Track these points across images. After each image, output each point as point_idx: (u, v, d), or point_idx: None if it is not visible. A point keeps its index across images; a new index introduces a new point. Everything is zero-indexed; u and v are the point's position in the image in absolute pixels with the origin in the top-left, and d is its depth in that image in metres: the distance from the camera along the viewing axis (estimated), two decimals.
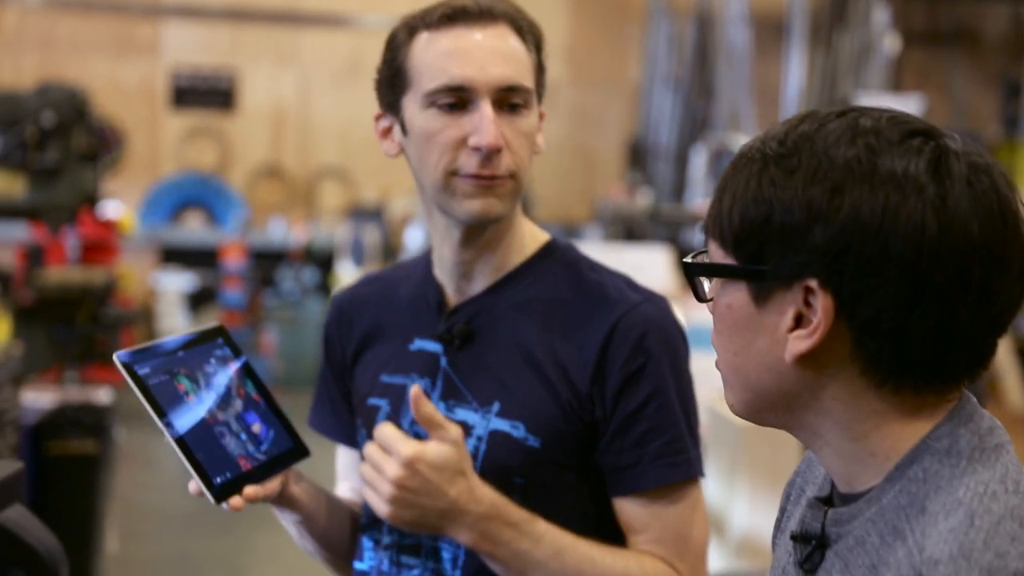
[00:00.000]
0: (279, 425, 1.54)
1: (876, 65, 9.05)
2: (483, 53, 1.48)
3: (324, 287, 10.45)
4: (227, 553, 5.50)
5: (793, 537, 1.09)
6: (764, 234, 1.00)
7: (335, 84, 11.88)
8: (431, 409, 1.43)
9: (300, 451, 1.55)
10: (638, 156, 10.75)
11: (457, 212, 1.50)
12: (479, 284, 1.57)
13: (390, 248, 10.37)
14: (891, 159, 0.98)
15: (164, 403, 1.43)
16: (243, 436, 1.49)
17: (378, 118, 1.57)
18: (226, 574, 5.19)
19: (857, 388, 1.01)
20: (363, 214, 10.61)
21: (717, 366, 1.08)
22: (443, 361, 1.57)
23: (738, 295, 1.04)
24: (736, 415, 1.08)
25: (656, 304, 1.54)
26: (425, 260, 1.64)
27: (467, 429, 1.52)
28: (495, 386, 1.53)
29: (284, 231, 11.21)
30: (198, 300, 10.84)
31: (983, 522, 0.94)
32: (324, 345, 1.72)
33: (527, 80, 1.50)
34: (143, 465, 6.77)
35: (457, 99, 1.47)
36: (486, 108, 1.46)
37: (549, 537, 1.45)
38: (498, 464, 1.51)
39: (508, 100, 1.49)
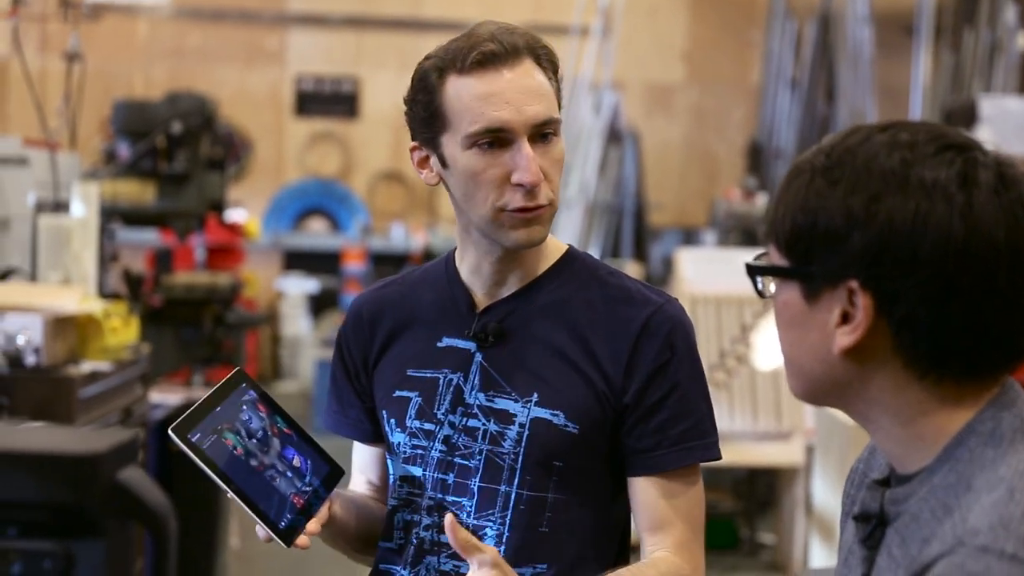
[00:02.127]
0: (313, 453, 1.63)
1: (1005, 65, 8.84)
2: (516, 94, 1.61)
3: None
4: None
5: (855, 518, 1.18)
6: (811, 239, 1.11)
7: None
8: (466, 535, 1.53)
9: (337, 472, 1.65)
10: (757, 159, 10.66)
11: (505, 241, 1.65)
12: (509, 288, 1.71)
13: None
14: (923, 170, 1.06)
15: (220, 463, 1.50)
16: (289, 474, 1.58)
17: (414, 150, 1.71)
18: (342, 571, 5.30)
19: (901, 379, 1.10)
20: None
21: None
22: (478, 356, 1.69)
23: (792, 293, 1.15)
24: (797, 398, 1.19)
25: (675, 305, 1.69)
26: (445, 265, 1.77)
27: (509, 417, 1.66)
28: (532, 379, 1.66)
29: (404, 236, 11.38)
30: (320, 304, 11.06)
31: (1022, 496, 1.02)
32: (339, 346, 1.82)
33: (555, 111, 1.65)
34: None
35: (496, 139, 1.61)
36: (526, 147, 1.60)
37: None
38: (540, 448, 1.64)
39: (542, 132, 1.62)
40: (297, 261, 11.45)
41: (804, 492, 5.22)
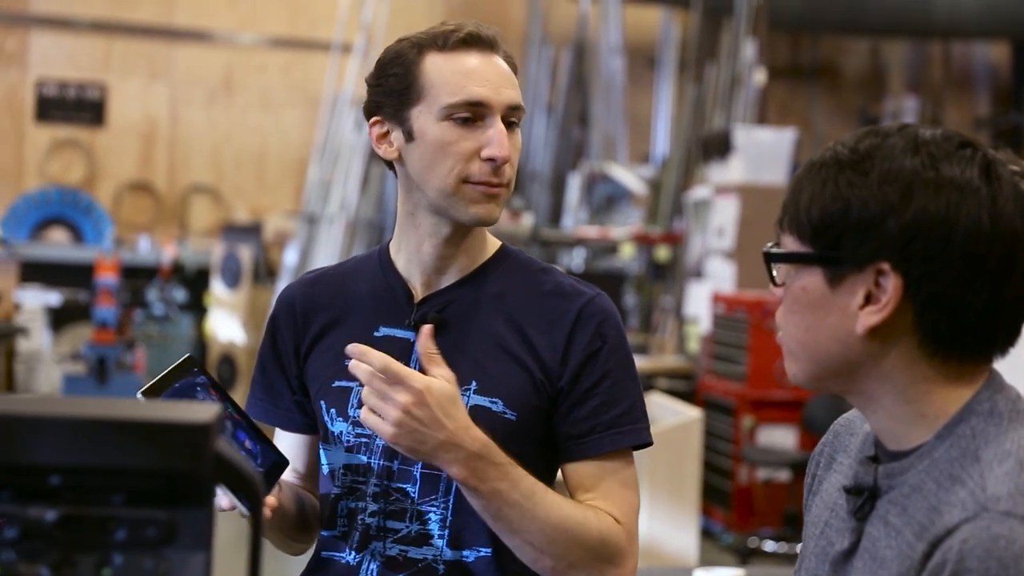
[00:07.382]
0: (262, 440, 1.65)
1: (745, 98, 9.39)
2: (496, 76, 1.69)
3: (197, 305, 10.33)
4: None
5: (848, 490, 1.27)
6: (842, 226, 1.19)
7: (207, 101, 11.77)
8: (433, 347, 1.59)
9: (283, 462, 1.67)
10: (516, 180, 10.91)
11: (462, 216, 1.68)
12: (448, 278, 1.75)
13: (268, 266, 10.31)
14: (950, 166, 1.18)
15: None
16: (243, 453, 1.59)
17: (374, 124, 1.73)
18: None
19: (914, 357, 1.20)
20: (236, 232, 10.52)
21: (780, 341, 1.26)
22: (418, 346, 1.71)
23: (813, 278, 1.22)
24: (796, 383, 1.26)
25: (605, 297, 1.76)
26: (377, 257, 1.80)
27: None
28: (471, 367, 1.69)
29: (153, 249, 11.04)
30: (63, 317, 10.60)
31: None
32: (269, 335, 1.83)
33: (522, 101, 1.72)
34: None
35: (472, 114, 1.66)
36: (499, 124, 1.67)
37: (526, 482, 1.61)
38: None
39: (510, 118, 1.69)
40: (35, 272, 10.92)
41: None
